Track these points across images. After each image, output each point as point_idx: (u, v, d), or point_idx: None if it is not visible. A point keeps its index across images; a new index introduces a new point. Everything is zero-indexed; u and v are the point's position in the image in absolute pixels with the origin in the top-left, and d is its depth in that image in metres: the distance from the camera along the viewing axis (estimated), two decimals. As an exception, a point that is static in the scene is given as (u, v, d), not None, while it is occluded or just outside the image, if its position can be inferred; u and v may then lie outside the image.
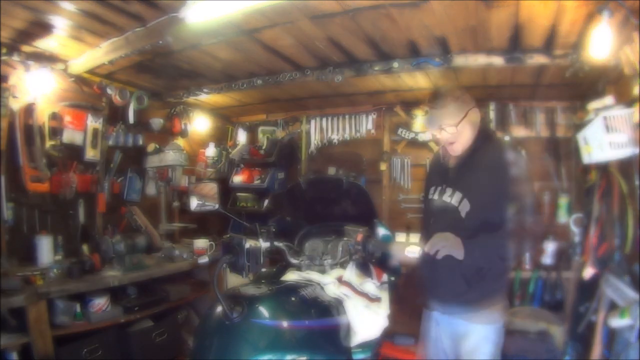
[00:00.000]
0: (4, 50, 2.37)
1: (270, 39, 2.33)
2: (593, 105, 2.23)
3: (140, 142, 3.41)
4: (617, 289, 2.11)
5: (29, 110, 2.61)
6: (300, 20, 2.06)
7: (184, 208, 3.69)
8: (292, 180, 3.84)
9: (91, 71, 2.82)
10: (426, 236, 1.63)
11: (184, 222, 3.67)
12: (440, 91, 1.67)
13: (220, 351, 1.14)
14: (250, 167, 4.13)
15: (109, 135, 3.17)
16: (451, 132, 1.62)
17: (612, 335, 2.20)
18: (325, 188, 2.22)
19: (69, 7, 1.96)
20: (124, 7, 1.98)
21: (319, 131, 3.98)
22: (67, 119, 2.86)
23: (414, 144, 3.63)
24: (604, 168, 2.46)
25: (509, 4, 1.81)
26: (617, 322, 2.04)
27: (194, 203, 1.76)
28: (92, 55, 2.56)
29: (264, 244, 1.57)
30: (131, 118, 3.29)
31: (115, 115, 3.24)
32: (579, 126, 2.54)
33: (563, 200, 3.15)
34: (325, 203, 2.18)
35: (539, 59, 2.32)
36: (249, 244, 1.38)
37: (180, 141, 3.76)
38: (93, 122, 3.02)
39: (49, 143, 2.71)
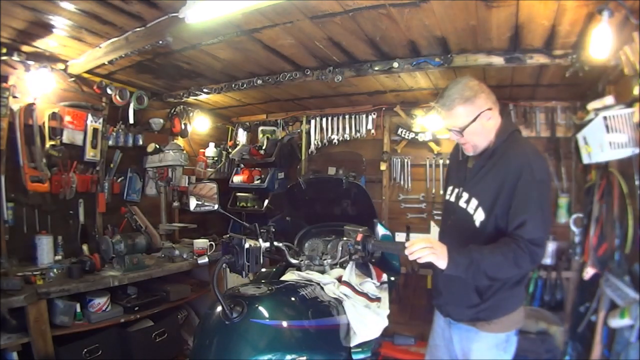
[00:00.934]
0: (4, 50, 2.37)
1: (270, 39, 2.33)
2: (593, 105, 2.23)
3: (140, 142, 3.40)
4: (617, 289, 2.11)
5: (29, 110, 2.60)
6: (300, 20, 2.06)
7: (184, 208, 3.69)
8: (292, 180, 3.84)
9: (91, 71, 2.82)
10: (441, 238, 1.59)
11: (184, 222, 3.66)
12: (449, 91, 1.53)
13: (220, 351, 1.14)
14: (250, 167, 4.13)
15: (109, 135, 3.17)
16: (458, 135, 1.55)
17: (612, 335, 2.20)
18: (325, 188, 2.23)
19: (69, 7, 1.96)
20: (124, 7, 1.98)
21: (319, 131, 3.99)
22: (67, 119, 2.86)
23: (414, 144, 3.64)
24: (604, 168, 2.46)
25: (509, 4, 1.81)
26: (617, 322, 2.04)
27: (193, 203, 1.76)
28: (92, 55, 2.56)
29: (263, 244, 1.57)
30: (131, 118, 3.29)
31: (115, 115, 3.24)
32: (579, 126, 2.54)
33: (563, 200, 3.15)
34: (325, 203, 2.18)
35: (539, 59, 2.31)
36: (248, 244, 1.38)
37: (180, 141, 3.76)
38: (93, 122, 3.02)
39: (49, 143, 2.71)
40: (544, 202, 1.44)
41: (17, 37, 2.30)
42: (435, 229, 3.34)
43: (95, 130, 3.02)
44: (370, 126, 3.78)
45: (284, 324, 1.21)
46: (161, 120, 3.61)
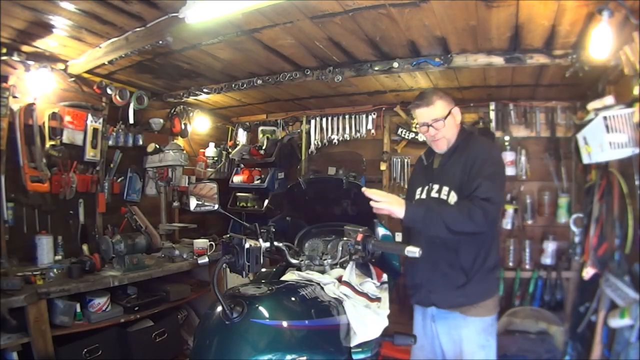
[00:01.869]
0: (4, 50, 2.37)
1: (270, 39, 2.33)
2: (593, 105, 2.23)
3: (140, 142, 3.40)
4: (617, 289, 2.11)
5: (29, 110, 2.60)
6: (300, 20, 2.06)
7: (184, 208, 3.69)
8: (292, 180, 3.84)
9: (91, 71, 2.82)
10: (418, 239, 1.73)
11: (184, 222, 3.66)
12: (425, 91, 1.83)
13: (220, 351, 1.14)
14: (250, 167, 4.13)
15: (109, 135, 3.17)
16: (439, 127, 1.76)
17: (612, 335, 2.20)
18: (325, 188, 2.22)
19: (69, 7, 1.96)
20: (124, 7, 1.98)
21: (319, 131, 3.99)
22: (67, 119, 2.86)
23: (414, 144, 3.63)
24: (604, 168, 2.46)
25: (509, 4, 1.81)
26: (617, 322, 2.04)
27: (193, 203, 1.75)
28: (92, 55, 2.56)
29: (264, 244, 1.56)
30: (131, 118, 3.29)
31: (115, 115, 3.24)
32: (579, 126, 2.54)
33: (563, 200, 3.15)
34: (325, 203, 2.17)
35: (539, 59, 2.31)
36: (249, 244, 1.38)
37: (180, 141, 3.76)
38: (93, 122, 3.02)
39: (49, 143, 2.71)
40: (497, 173, 1.68)
41: (17, 37, 2.30)
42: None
43: (95, 130, 3.02)
44: (370, 126, 3.79)
45: (284, 324, 1.21)
46: (161, 120, 3.61)
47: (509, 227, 3.24)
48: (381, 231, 1.85)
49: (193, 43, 2.38)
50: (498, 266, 1.84)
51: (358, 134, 3.83)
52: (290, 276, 1.61)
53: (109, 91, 3.04)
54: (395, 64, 2.57)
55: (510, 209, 3.23)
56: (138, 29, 2.22)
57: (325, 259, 1.67)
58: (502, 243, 3.32)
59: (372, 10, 1.94)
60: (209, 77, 3.10)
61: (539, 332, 3.03)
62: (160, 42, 2.16)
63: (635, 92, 1.89)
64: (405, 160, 3.69)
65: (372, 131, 3.78)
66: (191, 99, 3.49)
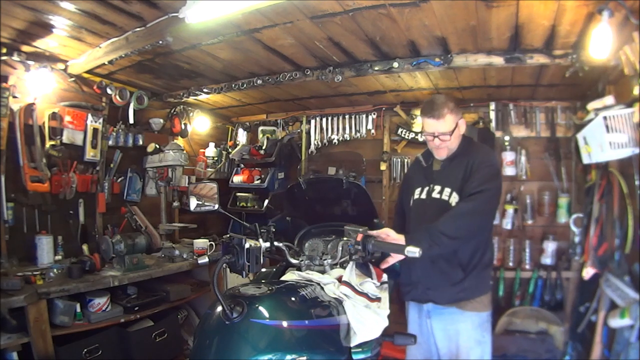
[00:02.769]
0: (4, 50, 2.37)
1: (270, 39, 2.33)
2: (593, 105, 2.23)
3: (140, 142, 3.40)
4: (617, 289, 2.12)
5: (29, 110, 2.60)
6: (300, 20, 2.06)
7: (184, 208, 3.69)
8: (292, 180, 3.84)
9: (91, 71, 2.82)
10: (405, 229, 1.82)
11: (184, 222, 3.66)
12: (437, 103, 1.79)
13: (220, 351, 1.14)
14: (250, 167, 4.13)
15: (109, 135, 3.17)
16: (446, 139, 1.79)
17: (612, 335, 2.20)
18: (325, 188, 2.22)
19: (69, 7, 1.96)
20: (124, 7, 1.98)
21: (319, 131, 3.99)
22: (67, 119, 2.85)
23: (414, 144, 3.64)
24: (604, 168, 2.46)
25: (509, 4, 1.81)
26: (617, 322, 2.04)
27: (193, 203, 1.75)
28: (92, 55, 2.56)
29: (264, 244, 1.56)
30: (131, 118, 3.29)
31: (115, 115, 3.24)
32: (579, 126, 2.54)
33: (563, 200, 3.15)
34: (325, 203, 2.18)
35: (539, 59, 2.31)
36: (249, 244, 1.38)
37: (180, 141, 3.76)
38: (93, 122, 3.01)
39: (49, 143, 2.71)
40: (491, 173, 1.76)
41: (17, 37, 2.30)
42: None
43: (95, 130, 3.02)
44: (370, 126, 3.79)
45: (284, 324, 1.21)
46: (161, 120, 3.61)
47: (509, 227, 3.24)
48: (381, 231, 1.85)
49: (193, 43, 2.38)
50: (492, 262, 1.90)
51: (358, 134, 3.83)
52: (290, 276, 1.61)
53: (109, 91, 3.04)
54: (395, 64, 2.57)
55: (510, 209, 3.23)
56: (138, 29, 2.22)
57: (325, 259, 1.67)
58: (502, 243, 3.33)
59: (372, 10, 1.94)
60: (209, 77, 3.10)
61: (539, 332, 3.03)
62: (160, 42, 2.16)
63: (635, 92, 1.89)
64: (405, 160, 3.69)
65: (372, 131, 3.78)
66: (191, 99, 3.49)
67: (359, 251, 1.43)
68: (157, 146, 3.41)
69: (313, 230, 1.98)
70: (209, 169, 4.09)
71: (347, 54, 2.55)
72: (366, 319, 1.41)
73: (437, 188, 1.83)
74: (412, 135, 3.63)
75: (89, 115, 2.99)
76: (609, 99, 2.17)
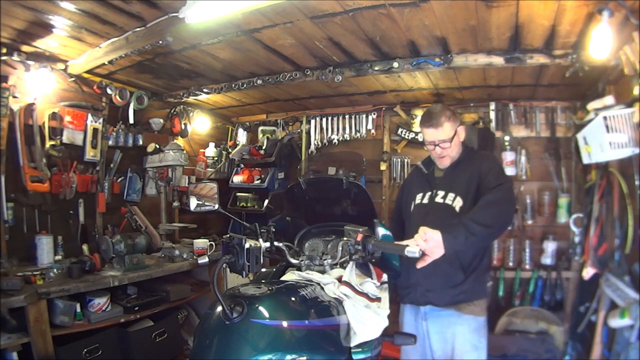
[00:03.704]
0: (4, 50, 2.37)
1: (270, 39, 2.33)
2: (593, 105, 2.23)
3: (140, 142, 3.40)
4: (617, 289, 2.12)
5: (29, 110, 2.60)
6: (300, 20, 2.06)
7: (184, 208, 3.69)
8: (292, 180, 3.84)
9: (91, 71, 2.82)
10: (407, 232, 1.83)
11: (184, 222, 3.66)
12: (434, 112, 1.85)
13: (220, 351, 1.14)
14: (250, 167, 4.13)
15: (109, 135, 3.17)
16: (446, 147, 1.83)
17: (612, 335, 2.20)
18: (325, 188, 2.22)
19: (69, 7, 1.96)
20: (124, 7, 1.98)
21: (319, 131, 3.99)
22: (67, 119, 2.85)
23: (414, 144, 3.63)
24: (604, 168, 2.46)
25: (509, 4, 1.81)
26: (617, 322, 2.04)
27: (193, 203, 1.75)
28: (92, 55, 2.56)
29: (264, 244, 1.56)
30: (131, 118, 3.29)
31: (115, 115, 3.24)
32: (579, 126, 2.54)
33: (563, 200, 3.15)
34: (325, 203, 2.17)
35: (539, 59, 2.31)
36: (249, 244, 1.38)
37: (180, 141, 3.76)
38: (93, 122, 3.01)
39: (49, 143, 2.71)
40: (502, 172, 1.85)
41: (17, 37, 2.30)
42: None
43: (95, 130, 3.02)
44: (370, 126, 3.79)
45: (284, 324, 1.21)
46: (161, 120, 3.61)
47: (509, 227, 3.24)
48: (381, 231, 1.84)
49: (193, 43, 2.38)
50: (490, 266, 1.97)
51: (358, 134, 3.83)
52: (290, 276, 1.61)
53: (109, 91, 3.04)
54: (395, 64, 2.57)
55: (510, 209, 3.24)
56: (138, 29, 2.22)
57: (325, 259, 1.66)
58: (502, 243, 3.33)
59: (372, 10, 1.94)
60: (209, 77, 3.10)
61: (539, 332, 3.03)
62: (160, 42, 2.16)
63: (635, 92, 1.89)
64: (405, 160, 3.69)
65: (372, 131, 3.78)
66: (191, 99, 3.49)
67: (359, 251, 1.43)
68: (157, 146, 3.41)
69: (313, 230, 1.98)
70: (209, 169, 4.09)
71: (347, 54, 2.55)
72: (366, 319, 1.41)
73: (441, 193, 1.85)
74: (412, 135, 3.63)
75: (89, 115, 2.99)
76: (609, 99, 2.17)
